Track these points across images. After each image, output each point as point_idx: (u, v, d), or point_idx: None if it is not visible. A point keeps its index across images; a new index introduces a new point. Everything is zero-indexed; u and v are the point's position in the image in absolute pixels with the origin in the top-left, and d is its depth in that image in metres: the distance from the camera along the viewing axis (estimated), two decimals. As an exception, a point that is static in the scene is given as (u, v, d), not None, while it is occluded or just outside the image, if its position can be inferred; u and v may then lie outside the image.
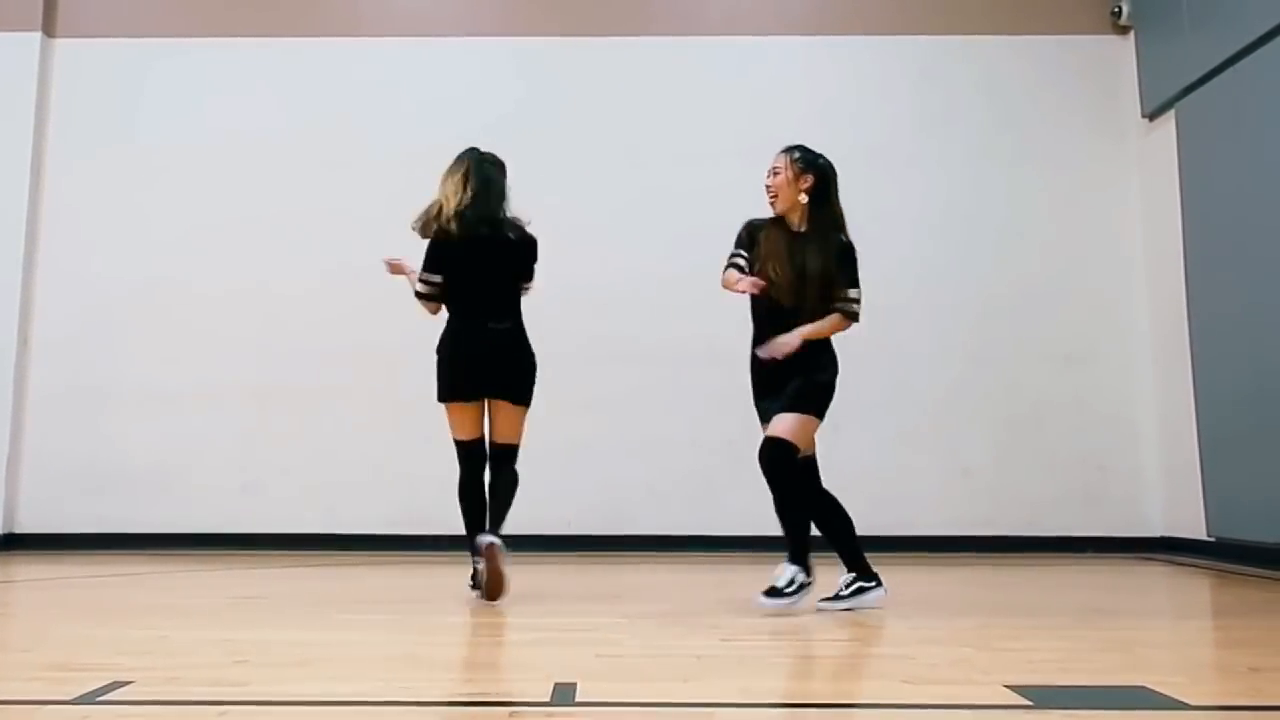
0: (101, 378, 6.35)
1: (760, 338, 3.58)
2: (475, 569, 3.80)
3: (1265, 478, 5.10)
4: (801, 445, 3.49)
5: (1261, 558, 5.17)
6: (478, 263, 3.96)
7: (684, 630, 3.17)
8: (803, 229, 3.57)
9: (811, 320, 3.51)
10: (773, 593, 3.39)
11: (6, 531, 6.20)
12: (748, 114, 6.34)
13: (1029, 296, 6.41)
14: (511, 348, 3.94)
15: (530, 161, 6.07)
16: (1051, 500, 6.21)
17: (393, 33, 6.71)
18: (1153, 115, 6.33)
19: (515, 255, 4.02)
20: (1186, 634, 3.33)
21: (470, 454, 3.95)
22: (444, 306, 3.99)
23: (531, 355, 3.96)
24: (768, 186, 3.62)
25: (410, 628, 3.25)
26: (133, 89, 6.66)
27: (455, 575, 4.17)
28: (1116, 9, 6.56)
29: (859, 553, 3.63)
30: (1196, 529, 5.72)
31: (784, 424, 3.46)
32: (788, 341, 3.44)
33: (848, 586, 3.58)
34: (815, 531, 3.60)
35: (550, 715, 2.04)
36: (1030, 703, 2.11)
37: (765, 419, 3.57)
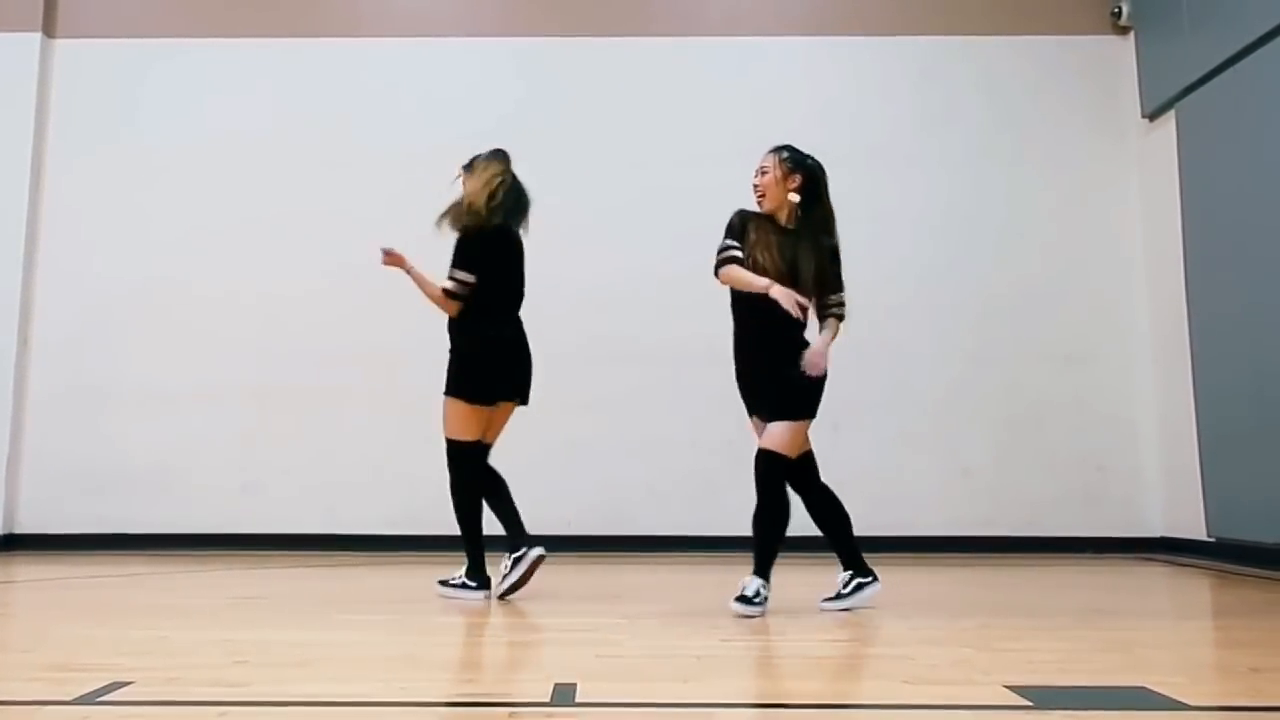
0: (101, 378, 6.35)
1: (744, 332, 3.57)
2: (511, 569, 3.83)
3: (1265, 478, 5.10)
4: (795, 453, 3.51)
5: (1261, 558, 5.17)
6: (513, 260, 4.01)
7: (684, 630, 3.17)
8: (791, 227, 3.58)
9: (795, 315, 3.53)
10: (744, 600, 3.38)
11: (6, 532, 6.20)
12: (748, 114, 6.33)
13: (1029, 296, 6.41)
14: (528, 349, 4.00)
15: (530, 161, 6.07)
16: (1051, 500, 6.21)
17: (393, 33, 6.71)
18: (1153, 115, 6.33)
19: (522, 254, 4.05)
20: (1186, 634, 3.33)
21: (478, 455, 3.97)
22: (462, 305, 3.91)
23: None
24: (755, 186, 3.63)
25: (410, 628, 3.25)
26: (133, 89, 6.66)
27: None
28: (1116, 9, 6.56)
29: (856, 550, 3.65)
30: (1196, 529, 5.72)
31: (778, 435, 3.47)
32: (821, 357, 3.52)
33: (846, 585, 3.59)
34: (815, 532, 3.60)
35: (550, 716, 2.03)
36: (1030, 703, 2.11)
37: (755, 412, 3.61)
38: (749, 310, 3.54)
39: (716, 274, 3.59)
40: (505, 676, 2.61)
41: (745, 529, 3.57)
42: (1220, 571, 5.13)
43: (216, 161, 6.54)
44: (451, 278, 3.88)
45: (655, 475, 6.15)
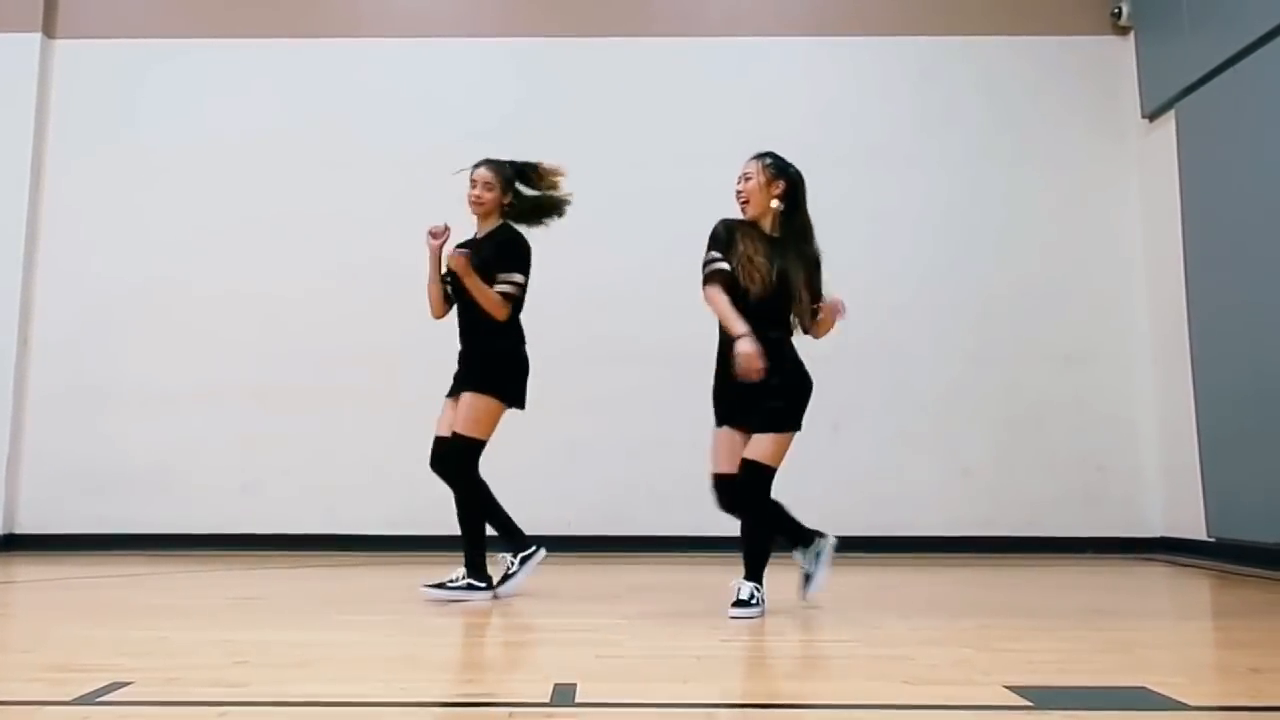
0: (101, 378, 6.35)
1: (728, 336, 3.53)
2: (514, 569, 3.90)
3: (1265, 478, 5.10)
4: (779, 463, 3.48)
5: (1261, 558, 5.17)
6: None
7: (684, 630, 3.17)
8: (776, 235, 3.57)
9: (781, 320, 3.54)
10: (741, 604, 3.39)
11: (6, 532, 6.20)
12: (748, 114, 6.34)
13: (1029, 296, 6.41)
14: None
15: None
16: (1051, 500, 6.21)
17: (393, 33, 6.71)
18: (1153, 116, 6.33)
19: None
20: (1186, 634, 3.33)
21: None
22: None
23: None
24: (739, 192, 3.61)
25: (410, 628, 3.25)
26: (133, 90, 6.66)
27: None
28: (1116, 9, 6.56)
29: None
30: (1196, 529, 5.72)
31: (764, 447, 3.45)
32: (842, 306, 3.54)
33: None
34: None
35: (550, 716, 2.03)
36: (1030, 703, 2.11)
37: (731, 422, 3.54)
38: (746, 319, 3.51)
39: (703, 288, 3.56)
40: (505, 677, 2.61)
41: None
42: (1220, 572, 5.13)
43: (217, 162, 6.55)
44: (509, 281, 3.89)
45: (655, 475, 6.15)
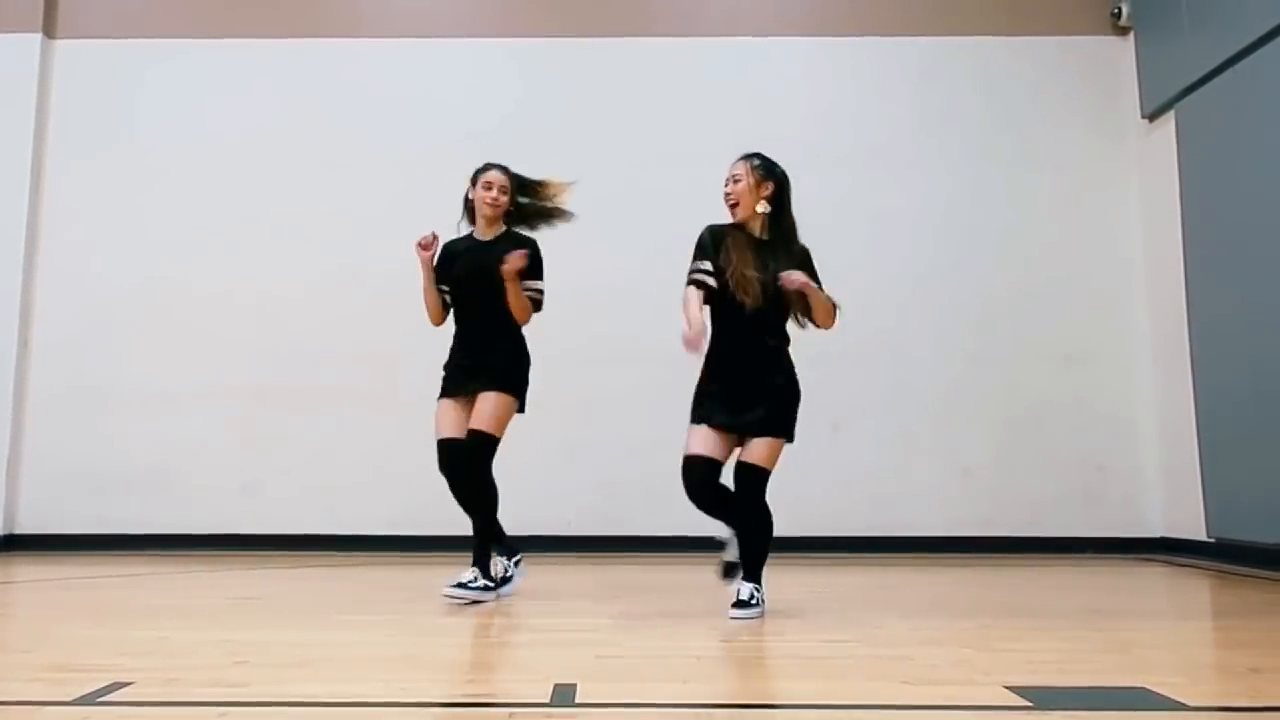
0: (101, 378, 6.35)
1: (723, 342, 3.52)
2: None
3: (1265, 478, 5.10)
4: (773, 469, 3.48)
5: (1261, 558, 5.17)
6: None
7: (684, 630, 3.17)
8: (764, 237, 3.55)
9: (778, 328, 3.53)
10: (742, 605, 3.40)
11: (7, 532, 6.20)
12: (748, 114, 6.34)
13: (1029, 297, 6.41)
14: None
15: (530, 162, 6.08)
16: (1051, 501, 6.21)
17: (393, 33, 6.72)
18: (1153, 116, 6.33)
19: None
20: (1186, 635, 3.33)
21: None
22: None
23: None
24: (727, 194, 3.58)
25: (410, 628, 3.25)
26: (133, 90, 6.66)
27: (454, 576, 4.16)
28: (1116, 10, 6.57)
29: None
30: (1196, 529, 5.72)
31: (763, 450, 3.45)
32: (799, 276, 3.39)
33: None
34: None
35: (550, 716, 2.04)
36: (1030, 704, 2.12)
37: (724, 425, 3.47)
38: (730, 319, 3.50)
39: (685, 289, 3.56)
40: (505, 677, 2.61)
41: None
42: (1220, 572, 5.13)
43: (217, 162, 6.55)
44: (535, 289, 3.97)
45: (655, 475, 6.08)
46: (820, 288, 3.56)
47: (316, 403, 6.30)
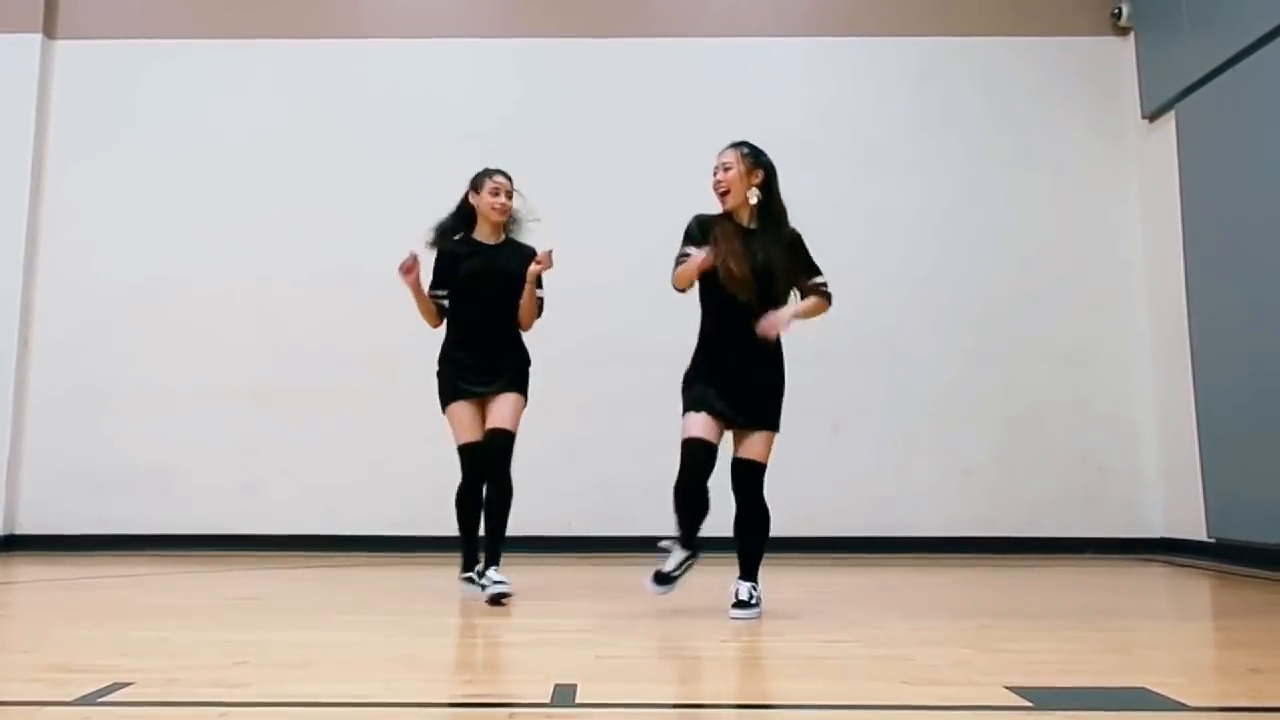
0: (101, 379, 6.35)
1: (715, 332, 3.52)
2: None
3: (1265, 478, 5.10)
4: (768, 461, 3.50)
5: (1261, 559, 5.17)
6: None
7: (684, 630, 3.17)
8: (752, 225, 3.55)
9: (773, 308, 3.50)
10: (743, 605, 3.40)
11: (7, 533, 6.20)
12: (748, 115, 6.29)
13: (1029, 297, 6.41)
14: None
15: (530, 162, 6.06)
16: (1051, 501, 6.21)
17: (393, 33, 6.71)
18: (1153, 116, 6.33)
19: None
20: (1186, 635, 3.33)
21: None
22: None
23: None
24: (718, 182, 3.58)
25: (410, 629, 3.25)
26: (133, 90, 6.66)
27: (455, 576, 4.16)
28: (1116, 10, 6.56)
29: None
30: (1196, 530, 5.72)
31: (760, 445, 3.47)
32: (781, 319, 3.41)
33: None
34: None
35: (550, 716, 2.04)
36: (1030, 704, 2.12)
37: (721, 415, 3.47)
38: (721, 309, 3.49)
39: (673, 284, 3.56)
40: (505, 677, 2.61)
41: (744, 530, 3.57)
42: (1220, 572, 5.13)
43: (217, 162, 6.55)
44: (541, 295, 4.05)
45: (655, 475, 6.06)
46: (818, 266, 3.57)
47: (316, 403, 6.30)
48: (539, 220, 4.17)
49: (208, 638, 2.99)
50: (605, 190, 6.46)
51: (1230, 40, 5.44)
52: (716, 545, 3.62)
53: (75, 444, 6.29)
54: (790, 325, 3.45)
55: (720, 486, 3.49)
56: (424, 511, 5.94)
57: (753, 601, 3.40)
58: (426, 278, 4.00)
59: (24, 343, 6.38)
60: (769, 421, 3.49)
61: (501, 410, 3.93)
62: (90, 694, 2.17)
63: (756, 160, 3.57)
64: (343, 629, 3.22)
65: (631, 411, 6.20)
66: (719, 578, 3.64)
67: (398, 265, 3.91)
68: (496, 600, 3.71)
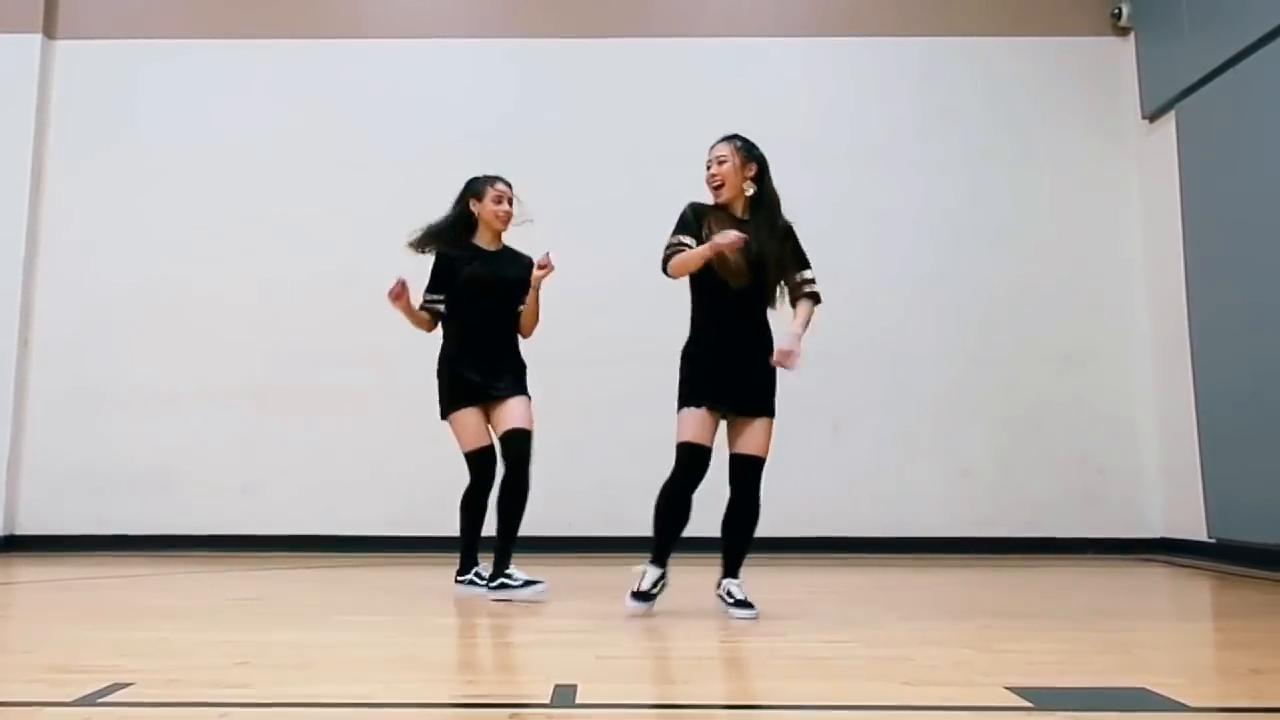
0: (101, 379, 6.35)
1: (709, 322, 3.51)
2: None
3: (1266, 478, 5.10)
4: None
5: (1262, 559, 5.17)
6: None
7: (684, 632, 3.17)
8: (745, 216, 3.55)
9: (761, 303, 3.52)
10: (743, 604, 3.41)
11: (7, 533, 6.20)
12: (748, 115, 6.23)
13: (1029, 297, 6.41)
14: None
15: (530, 162, 6.08)
16: (1051, 501, 6.21)
17: (392, 34, 6.71)
18: (1153, 116, 6.33)
19: None
20: (1187, 635, 3.33)
21: None
22: None
23: (437, 372, 4.13)
24: (712, 175, 3.56)
25: (411, 629, 3.25)
26: (133, 90, 6.66)
27: (454, 577, 4.16)
28: (1116, 10, 6.57)
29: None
30: (1197, 530, 5.72)
31: (760, 439, 3.46)
32: (795, 350, 3.42)
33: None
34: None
35: (550, 717, 2.04)
36: (1030, 704, 2.12)
37: (721, 409, 3.46)
38: (714, 299, 3.48)
39: (665, 270, 3.53)
40: (505, 678, 2.61)
41: (745, 530, 3.57)
42: (1220, 572, 5.13)
43: (217, 162, 6.55)
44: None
45: (654, 476, 6.07)
46: (808, 261, 3.58)
47: (316, 403, 6.30)
48: (532, 222, 4.17)
49: (208, 638, 2.99)
50: (605, 190, 6.46)
51: (1230, 40, 5.44)
52: (719, 546, 3.62)
53: (75, 444, 6.29)
54: (799, 358, 3.44)
55: (708, 484, 3.48)
56: (424, 511, 5.96)
57: (750, 600, 3.41)
58: (417, 291, 4.05)
59: (24, 343, 6.38)
60: (767, 408, 3.48)
61: (517, 411, 3.98)
62: (90, 694, 2.17)
63: (749, 153, 3.58)
64: (343, 629, 3.22)
65: (631, 411, 6.20)
66: (716, 577, 3.64)
67: (387, 291, 3.95)
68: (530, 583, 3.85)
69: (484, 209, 4.11)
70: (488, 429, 4.02)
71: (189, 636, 3.05)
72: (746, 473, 3.47)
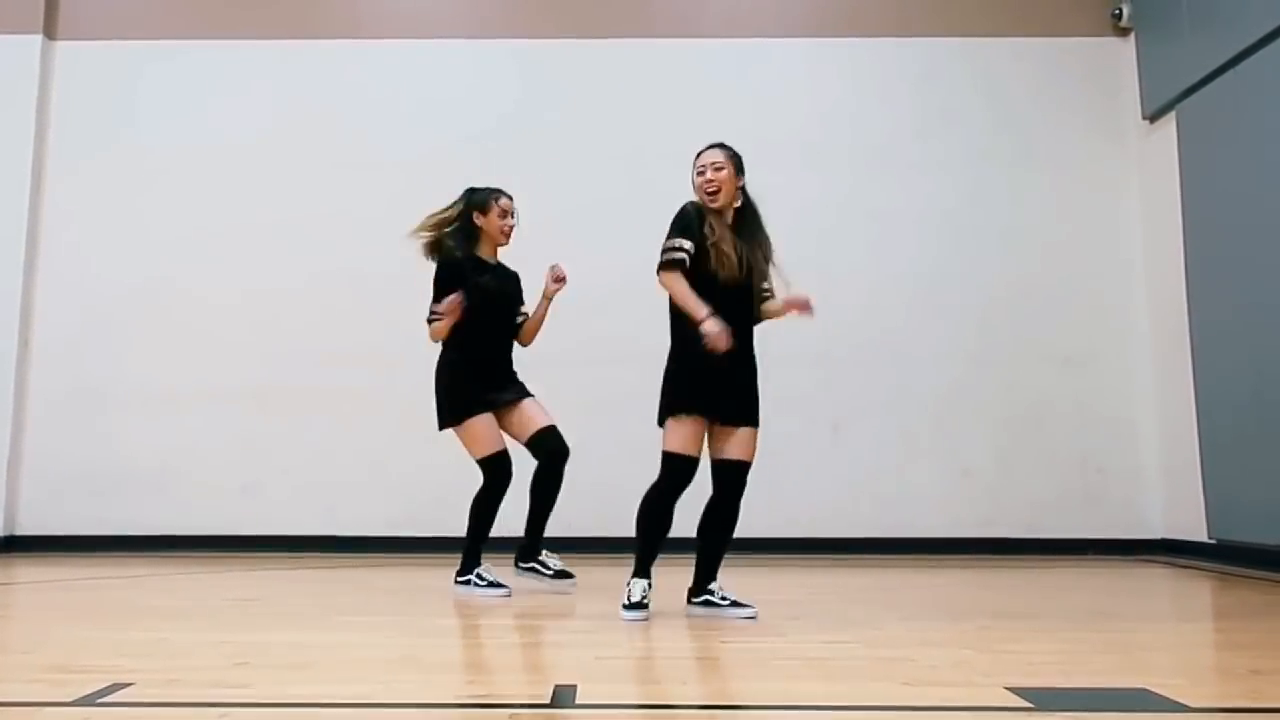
0: (101, 380, 6.35)
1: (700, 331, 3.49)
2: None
3: (1266, 479, 5.10)
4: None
5: (1262, 560, 5.16)
6: None
7: (683, 631, 3.17)
8: (732, 222, 3.57)
9: (748, 310, 3.53)
10: (742, 605, 3.43)
11: (7, 533, 6.20)
12: (748, 116, 6.33)
13: (1029, 298, 6.41)
14: None
15: (530, 162, 6.10)
16: (1051, 502, 6.21)
17: (392, 34, 6.72)
18: (1153, 117, 6.33)
19: None
20: (1187, 636, 3.33)
21: None
22: None
23: (438, 383, 4.13)
24: (709, 181, 3.54)
25: (410, 629, 3.25)
26: (133, 91, 6.66)
27: (454, 577, 4.16)
28: (1117, 11, 6.57)
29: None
30: (1197, 531, 5.72)
31: (748, 445, 3.47)
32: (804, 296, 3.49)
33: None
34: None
35: (551, 717, 2.04)
36: (1031, 705, 2.11)
37: (713, 415, 3.45)
38: (709, 298, 3.44)
39: (660, 271, 3.53)
40: (506, 678, 2.61)
41: (742, 531, 3.57)
42: (1220, 573, 5.13)
43: (217, 163, 6.55)
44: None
45: (654, 476, 6.13)
46: (769, 279, 3.61)
47: (316, 403, 6.30)
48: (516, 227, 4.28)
49: (208, 638, 2.99)
50: (604, 191, 6.45)
51: (1231, 41, 5.44)
52: (690, 547, 3.61)
53: (75, 445, 6.29)
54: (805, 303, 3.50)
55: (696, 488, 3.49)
56: (424, 511, 5.97)
57: (744, 600, 3.43)
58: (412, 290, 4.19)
59: (24, 343, 6.38)
60: (754, 417, 3.49)
61: (538, 411, 4.17)
62: (90, 694, 2.17)
63: (740, 165, 3.60)
64: (343, 629, 3.22)
65: (631, 412, 6.13)
66: (717, 578, 3.64)
67: (446, 307, 4.00)
68: (562, 575, 4.13)
69: (489, 223, 4.16)
70: (501, 433, 4.09)
71: (189, 636, 3.05)
72: (734, 477, 3.46)
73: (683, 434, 3.43)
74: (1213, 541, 5.60)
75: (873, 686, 2.34)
